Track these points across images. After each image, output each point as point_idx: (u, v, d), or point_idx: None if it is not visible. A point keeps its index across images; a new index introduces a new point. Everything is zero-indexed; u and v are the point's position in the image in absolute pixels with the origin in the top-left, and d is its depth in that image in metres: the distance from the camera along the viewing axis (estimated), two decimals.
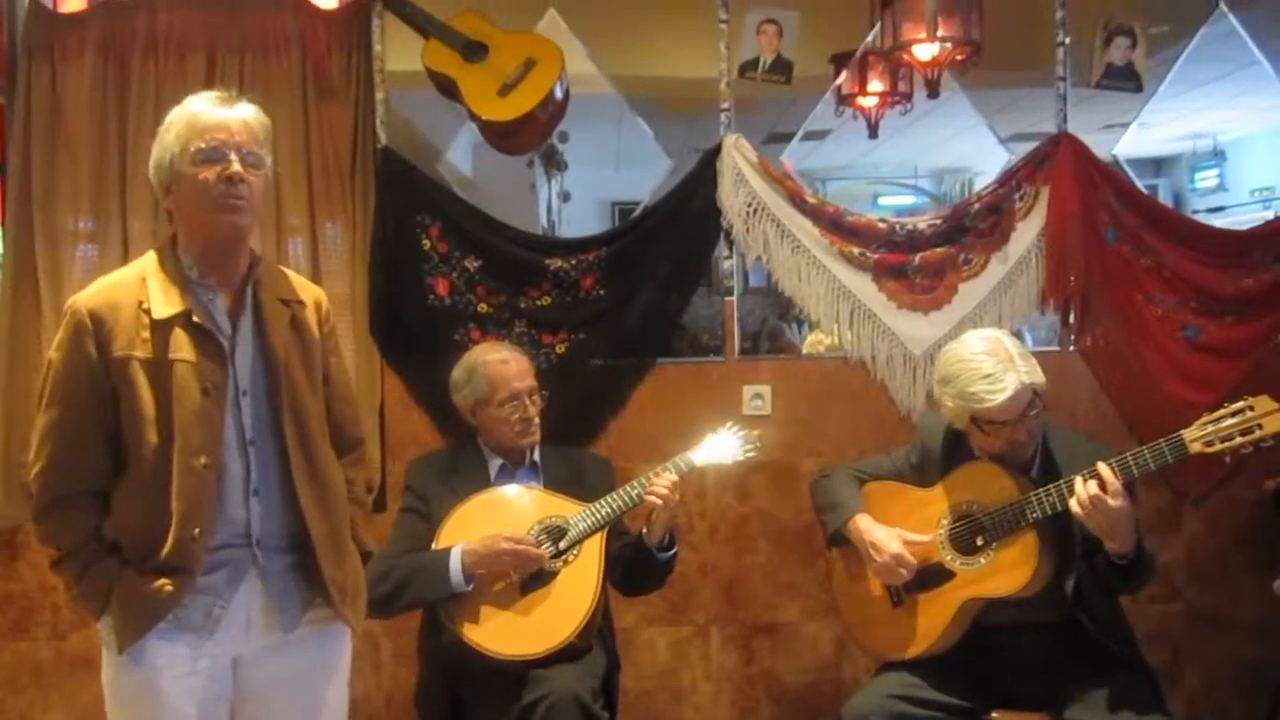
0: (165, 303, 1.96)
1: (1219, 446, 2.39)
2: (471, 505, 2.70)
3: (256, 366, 2.02)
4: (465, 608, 2.58)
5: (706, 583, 3.48)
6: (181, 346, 1.94)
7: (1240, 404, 2.39)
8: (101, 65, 3.26)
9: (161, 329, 1.94)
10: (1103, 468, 2.37)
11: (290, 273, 2.20)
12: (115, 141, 3.25)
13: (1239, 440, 2.38)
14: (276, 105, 3.18)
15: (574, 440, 3.22)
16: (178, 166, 1.96)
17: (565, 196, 3.69)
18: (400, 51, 3.31)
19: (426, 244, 3.32)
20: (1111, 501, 2.33)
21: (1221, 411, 2.40)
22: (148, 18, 3.27)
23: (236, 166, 1.95)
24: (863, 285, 3.40)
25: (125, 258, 3.19)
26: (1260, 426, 2.37)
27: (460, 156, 3.55)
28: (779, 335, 3.73)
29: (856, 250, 3.40)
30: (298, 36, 3.30)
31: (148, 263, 2.03)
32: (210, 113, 1.97)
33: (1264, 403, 2.38)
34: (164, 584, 1.91)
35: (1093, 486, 2.35)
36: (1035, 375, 2.48)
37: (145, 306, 1.95)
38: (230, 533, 1.98)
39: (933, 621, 2.60)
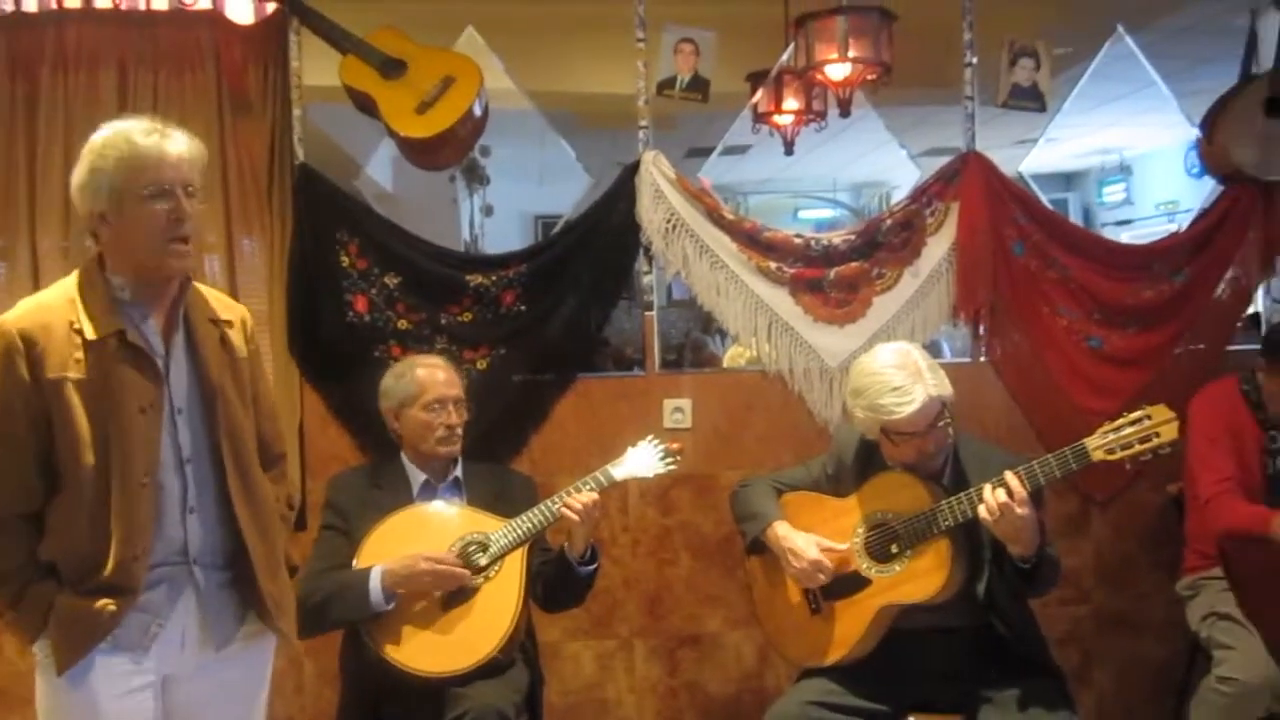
0: (97, 323, 1.95)
1: (1120, 454, 2.47)
2: (393, 522, 2.69)
3: (191, 386, 2.04)
4: (386, 626, 2.57)
5: (630, 596, 3.50)
6: (116, 367, 1.94)
7: (1139, 413, 2.47)
8: (9, 80, 3.19)
9: (95, 349, 1.94)
10: (1010, 476, 2.43)
11: (215, 292, 2.22)
12: (24, 158, 3.18)
13: (1138, 448, 2.46)
14: (192, 121, 3.15)
15: (496, 456, 3.23)
16: (118, 199, 1.94)
17: (488, 210, 3.70)
18: (319, 65, 3.29)
19: (345, 261, 3.31)
20: (1019, 509, 2.39)
21: (1121, 420, 2.48)
22: (57, 31, 3.21)
23: (185, 204, 1.96)
24: (780, 299, 3.46)
25: (35, 276, 3.15)
26: (1158, 434, 2.45)
27: (380, 171, 3.54)
28: (701, 348, 3.78)
29: (773, 265, 3.45)
30: (213, 52, 3.26)
31: (72, 285, 2.01)
32: (156, 148, 1.96)
33: (1161, 411, 2.46)
34: (105, 604, 1.92)
35: (1001, 494, 2.41)
36: (943, 387, 2.55)
37: (77, 327, 1.95)
38: (168, 551, 2.00)
39: (850, 628, 2.65)
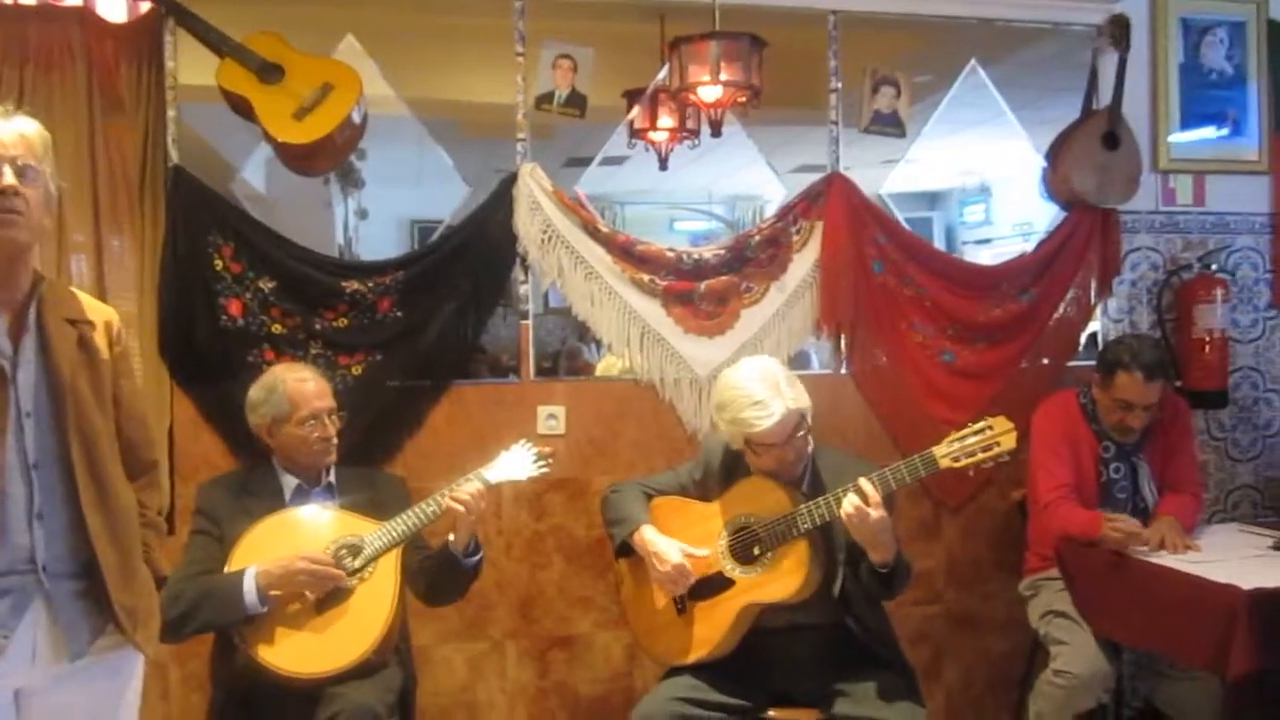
0: None
1: (964, 461, 2.65)
2: (265, 526, 2.70)
3: (40, 388, 1.97)
4: (259, 628, 2.57)
5: (503, 599, 3.55)
6: None
7: (982, 424, 2.66)
8: None
9: None
10: (863, 482, 2.58)
11: (80, 293, 2.17)
12: None
13: (981, 456, 2.64)
14: (60, 119, 3.10)
15: (371, 461, 3.25)
16: None
17: (363, 214, 3.67)
18: (195, 65, 3.24)
19: (219, 264, 3.28)
20: (873, 513, 2.54)
21: (966, 431, 2.67)
22: None
23: (9, 179, 1.91)
24: (652, 311, 3.55)
25: None
26: (998, 444, 2.64)
27: (255, 173, 3.50)
28: (577, 356, 3.83)
29: (646, 277, 3.55)
30: (83, 50, 3.18)
31: None
32: None
33: (1001, 423, 2.65)
34: None
35: (856, 499, 2.56)
36: (801, 400, 2.69)
37: None
38: (13, 559, 1.93)
39: (714, 627, 2.76)
